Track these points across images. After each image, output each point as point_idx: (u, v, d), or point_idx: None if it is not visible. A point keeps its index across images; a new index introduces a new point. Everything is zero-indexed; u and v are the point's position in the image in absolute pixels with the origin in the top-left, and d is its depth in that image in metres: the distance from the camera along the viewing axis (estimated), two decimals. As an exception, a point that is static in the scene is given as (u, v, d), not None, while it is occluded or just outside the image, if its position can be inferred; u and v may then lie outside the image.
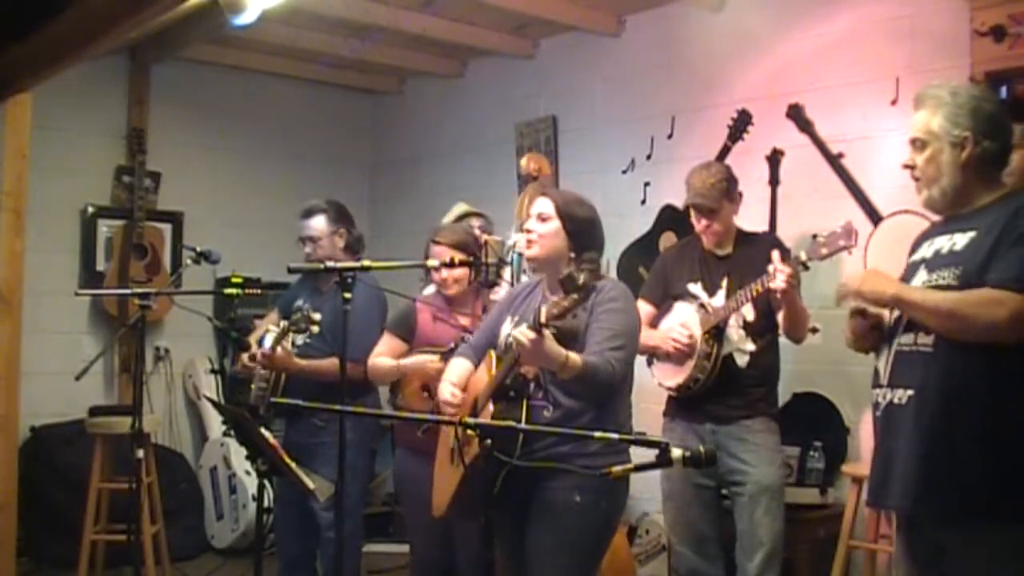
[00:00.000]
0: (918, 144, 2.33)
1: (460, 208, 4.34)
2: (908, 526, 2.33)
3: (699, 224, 3.58)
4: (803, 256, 3.19)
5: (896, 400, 2.26)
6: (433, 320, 3.53)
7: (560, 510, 2.71)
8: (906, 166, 2.38)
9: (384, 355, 3.53)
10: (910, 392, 2.22)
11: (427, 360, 3.37)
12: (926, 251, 2.34)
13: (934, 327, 2.20)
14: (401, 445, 3.64)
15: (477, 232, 3.73)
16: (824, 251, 3.13)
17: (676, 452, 1.89)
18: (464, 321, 3.50)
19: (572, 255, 2.78)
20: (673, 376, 3.54)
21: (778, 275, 3.18)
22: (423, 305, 3.56)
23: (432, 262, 3.34)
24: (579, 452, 2.64)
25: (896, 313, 2.35)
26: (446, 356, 3.24)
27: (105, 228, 5.66)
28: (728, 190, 3.54)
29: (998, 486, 2.11)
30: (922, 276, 2.30)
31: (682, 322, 3.52)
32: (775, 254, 3.22)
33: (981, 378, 2.14)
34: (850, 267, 3.33)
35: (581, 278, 2.44)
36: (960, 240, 2.25)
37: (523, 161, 3.92)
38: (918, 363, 2.23)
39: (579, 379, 2.62)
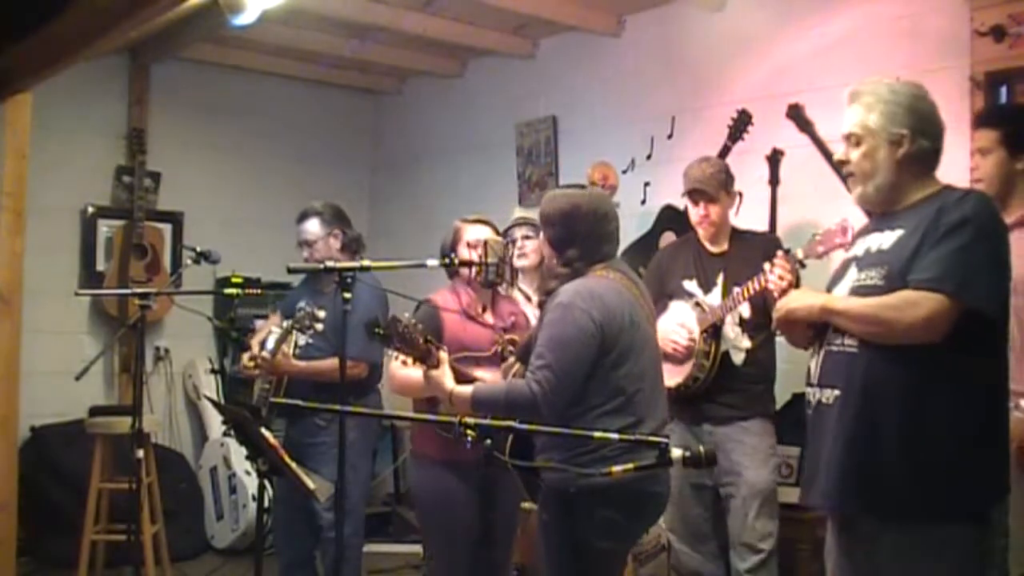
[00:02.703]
0: (853, 140, 2.34)
1: (518, 212, 4.26)
2: (841, 522, 2.32)
3: (697, 214, 3.60)
4: (800, 254, 3.19)
5: (824, 400, 2.27)
6: (462, 320, 3.20)
7: (537, 525, 2.71)
8: (839, 161, 2.40)
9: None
10: (836, 392, 2.24)
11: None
12: (859, 249, 2.36)
13: (859, 333, 2.21)
14: (419, 455, 3.28)
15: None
16: (820, 249, 3.13)
17: (676, 452, 1.89)
18: (491, 320, 3.26)
19: (555, 260, 2.74)
20: (672, 376, 3.53)
21: (776, 270, 3.18)
22: (444, 305, 3.21)
23: (431, 261, 3.29)
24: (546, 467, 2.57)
25: None
26: (488, 361, 3.04)
27: (105, 228, 5.66)
28: (726, 181, 3.58)
29: (918, 486, 2.10)
30: (852, 275, 2.31)
31: (680, 322, 3.52)
32: (779, 253, 3.22)
33: (903, 379, 2.14)
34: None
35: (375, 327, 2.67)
36: (888, 239, 2.26)
37: (588, 170, 4.07)
38: (845, 363, 2.24)
39: (480, 408, 2.59)
